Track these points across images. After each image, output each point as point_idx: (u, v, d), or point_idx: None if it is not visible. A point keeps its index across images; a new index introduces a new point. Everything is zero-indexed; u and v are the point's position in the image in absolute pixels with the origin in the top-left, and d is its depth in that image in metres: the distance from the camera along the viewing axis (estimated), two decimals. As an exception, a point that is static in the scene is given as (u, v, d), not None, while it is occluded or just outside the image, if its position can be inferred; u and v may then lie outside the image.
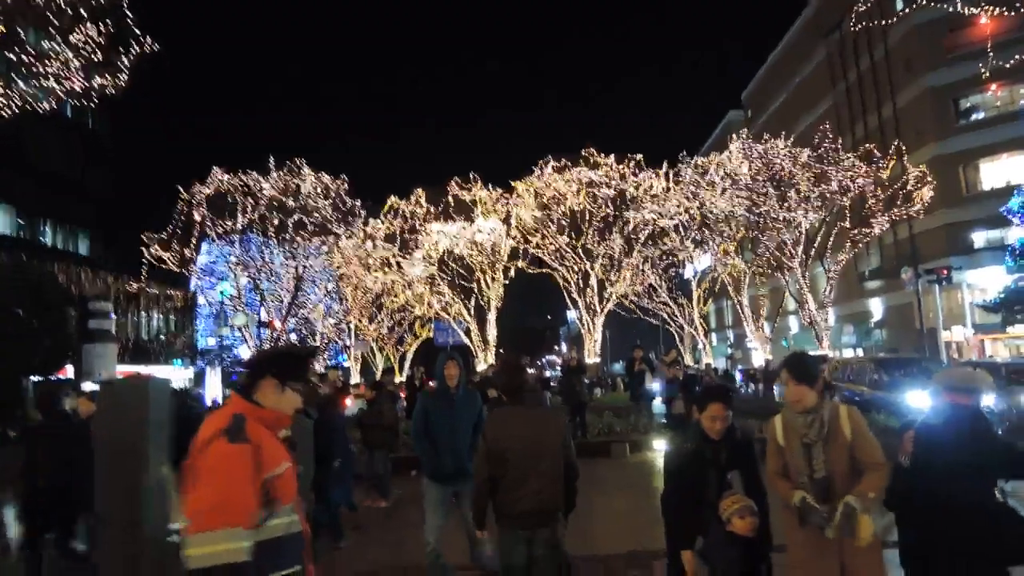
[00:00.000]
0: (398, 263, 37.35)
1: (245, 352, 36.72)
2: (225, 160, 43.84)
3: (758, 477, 4.08)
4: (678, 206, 35.76)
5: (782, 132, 35.76)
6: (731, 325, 64.81)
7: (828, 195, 33.43)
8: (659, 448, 12.98)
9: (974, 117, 37.01)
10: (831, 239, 34.24)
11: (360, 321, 40.35)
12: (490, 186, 36.78)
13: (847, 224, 33.62)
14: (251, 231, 32.21)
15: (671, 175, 36.43)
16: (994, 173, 35.74)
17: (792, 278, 36.30)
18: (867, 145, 34.21)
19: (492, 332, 37.87)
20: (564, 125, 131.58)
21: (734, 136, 36.18)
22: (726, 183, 34.68)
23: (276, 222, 31.73)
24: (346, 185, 33.45)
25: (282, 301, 33.26)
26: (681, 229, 37.65)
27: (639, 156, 36.06)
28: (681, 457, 4.15)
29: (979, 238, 35.66)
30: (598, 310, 37.59)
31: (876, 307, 44.01)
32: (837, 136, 34.80)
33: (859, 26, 42.91)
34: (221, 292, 35.63)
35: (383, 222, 37.22)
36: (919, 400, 12.43)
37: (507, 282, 37.94)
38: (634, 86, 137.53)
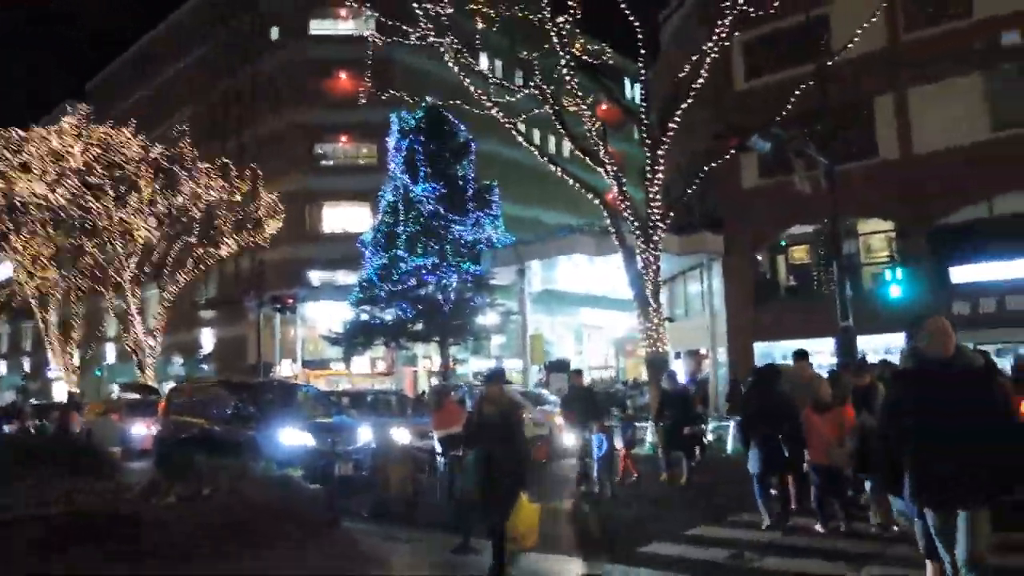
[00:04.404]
0: None
1: None
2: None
3: None
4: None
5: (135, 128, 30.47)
6: (30, 351, 53.51)
7: (176, 205, 29.64)
8: None
9: (325, 163, 38.45)
10: (173, 256, 30.54)
11: None
12: None
13: (193, 240, 30.31)
14: None
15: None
16: (335, 218, 37.48)
17: (120, 297, 31.04)
18: (224, 160, 31.69)
19: None
20: None
21: (69, 109, 29.18)
22: (49, 164, 27.48)
23: None
24: None
25: None
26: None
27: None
28: None
29: (315, 277, 36.55)
30: None
31: (207, 339, 41.40)
32: (196, 145, 31.44)
33: (232, 41, 41.08)
34: None
35: None
36: (295, 438, 9.32)
37: None
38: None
